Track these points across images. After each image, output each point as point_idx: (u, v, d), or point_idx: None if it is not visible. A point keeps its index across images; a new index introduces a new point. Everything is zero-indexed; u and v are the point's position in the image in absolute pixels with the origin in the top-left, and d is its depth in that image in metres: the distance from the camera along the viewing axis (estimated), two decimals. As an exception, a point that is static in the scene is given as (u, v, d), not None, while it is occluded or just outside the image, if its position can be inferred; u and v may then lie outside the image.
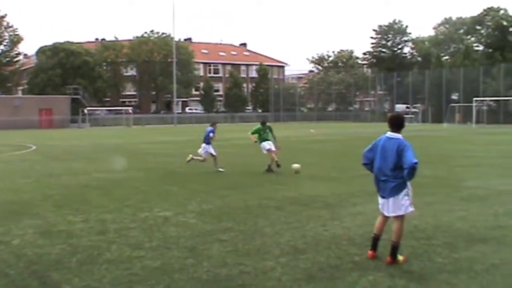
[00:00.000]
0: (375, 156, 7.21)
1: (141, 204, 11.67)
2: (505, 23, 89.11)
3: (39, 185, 15.22)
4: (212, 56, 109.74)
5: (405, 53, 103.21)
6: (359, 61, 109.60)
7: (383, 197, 7.16)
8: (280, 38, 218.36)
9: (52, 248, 8.00)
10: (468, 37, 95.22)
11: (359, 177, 14.16)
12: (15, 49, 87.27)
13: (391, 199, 7.03)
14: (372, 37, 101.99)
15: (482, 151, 26.02)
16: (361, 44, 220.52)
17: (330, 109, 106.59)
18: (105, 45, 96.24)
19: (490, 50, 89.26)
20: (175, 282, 6.40)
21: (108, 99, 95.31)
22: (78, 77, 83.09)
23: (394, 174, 6.95)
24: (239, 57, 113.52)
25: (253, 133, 18.00)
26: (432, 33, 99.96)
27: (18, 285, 6.48)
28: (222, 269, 6.85)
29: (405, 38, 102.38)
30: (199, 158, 18.34)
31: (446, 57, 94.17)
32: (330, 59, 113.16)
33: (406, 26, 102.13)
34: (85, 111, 75.80)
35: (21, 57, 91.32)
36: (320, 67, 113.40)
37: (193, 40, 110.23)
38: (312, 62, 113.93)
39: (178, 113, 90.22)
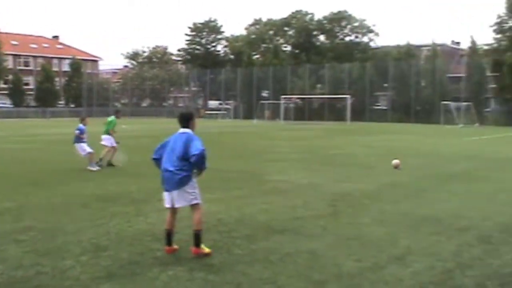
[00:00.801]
0: (165, 150, 7.43)
1: None
2: (310, 26, 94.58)
3: None
4: (23, 48, 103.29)
5: (219, 51, 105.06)
6: (174, 58, 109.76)
7: (167, 190, 7.31)
8: (94, 32, 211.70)
9: None
10: (277, 38, 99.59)
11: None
12: None
13: (175, 192, 7.19)
14: (187, 34, 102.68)
15: (287, 146, 27.34)
16: (176, 41, 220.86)
17: (144, 104, 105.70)
18: None
19: (297, 51, 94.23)
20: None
21: None
22: None
23: (181, 165, 7.14)
24: (51, 50, 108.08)
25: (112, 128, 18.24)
26: (244, 32, 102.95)
27: None
28: (18, 271, 6.49)
29: (219, 37, 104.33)
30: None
31: (257, 56, 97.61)
32: (145, 54, 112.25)
33: (221, 25, 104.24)
34: None
35: None
36: (134, 63, 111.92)
37: (1, 31, 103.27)
38: (126, 57, 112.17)
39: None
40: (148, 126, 20.36)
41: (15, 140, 29.44)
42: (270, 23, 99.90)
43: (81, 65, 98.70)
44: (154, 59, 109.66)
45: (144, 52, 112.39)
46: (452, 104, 64.56)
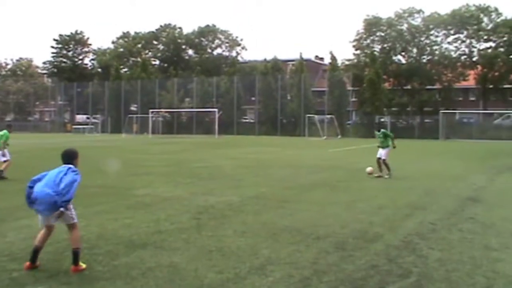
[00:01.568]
0: (43, 178, 7.35)
1: None
2: (179, 40, 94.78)
3: None
4: None
5: (86, 64, 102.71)
6: (40, 70, 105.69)
7: (41, 212, 7.29)
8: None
9: None
10: (146, 51, 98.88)
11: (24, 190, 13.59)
12: None
13: (51, 213, 7.16)
14: (52, 47, 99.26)
15: (154, 160, 27.15)
16: (41, 53, 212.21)
17: (8, 119, 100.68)
18: None
19: (165, 65, 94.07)
20: None
21: None
22: None
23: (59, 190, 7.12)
24: None
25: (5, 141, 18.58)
26: (112, 46, 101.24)
27: None
28: None
29: (86, 49, 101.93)
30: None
31: (125, 70, 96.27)
32: (8, 67, 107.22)
33: (87, 38, 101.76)
34: None
35: None
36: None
37: None
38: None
39: None
40: (13, 142, 19.36)
41: None
42: (139, 37, 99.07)
43: None
44: (19, 72, 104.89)
45: (7, 64, 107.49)
46: (317, 117, 67.17)
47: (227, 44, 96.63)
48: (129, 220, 10.55)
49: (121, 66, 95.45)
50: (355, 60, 76.23)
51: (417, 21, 74.99)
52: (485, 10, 71.76)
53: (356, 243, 8.84)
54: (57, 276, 6.86)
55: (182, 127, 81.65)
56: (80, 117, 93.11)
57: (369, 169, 19.31)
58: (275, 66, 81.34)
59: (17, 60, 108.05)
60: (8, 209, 11.82)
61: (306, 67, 79.00)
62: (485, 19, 71.80)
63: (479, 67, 72.03)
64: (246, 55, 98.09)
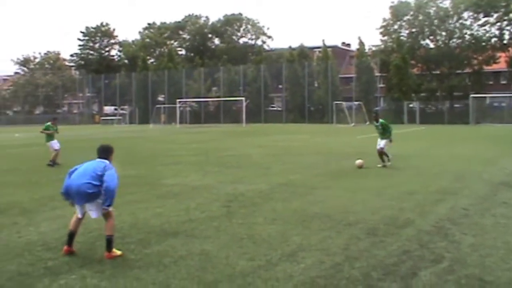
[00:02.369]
0: (76, 171, 7.61)
1: None
2: (205, 29, 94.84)
3: None
4: None
5: (113, 56, 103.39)
6: (67, 63, 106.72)
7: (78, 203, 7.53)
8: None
9: None
10: (172, 41, 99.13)
11: (59, 181, 13.78)
12: None
13: (87, 204, 7.42)
14: (79, 39, 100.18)
15: (182, 149, 27.26)
16: (68, 46, 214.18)
17: (37, 112, 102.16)
18: None
19: (191, 54, 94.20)
20: None
21: None
22: None
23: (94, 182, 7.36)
24: None
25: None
26: (138, 37, 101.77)
27: None
28: None
29: (113, 41, 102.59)
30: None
31: (152, 60, 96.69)
32: (37, 60, 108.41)
33: (113, 29, 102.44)
34: None
35: None
36: (26, 69, 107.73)
37: None
38: (17, 63, 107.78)
39: None
40: (41, 134, 19.73)
41: None
42: (164, 27, 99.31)
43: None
44: (47, 65, 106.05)
45: (35, 58, 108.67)
46: (344, 104, 66.71)
47: (253, 33, 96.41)
48: (160, 209, 10.64)
49: (148, 57, 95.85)
50: (382, 46, 75.38)
51: (446, 4, 73.73)
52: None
53: (387, 229, 8.79)
54: (90, 265, 6.96)
55: (209, 116, 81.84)
56: (108, 109, 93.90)
57: (358, 161, 17.98)
58: (302, 54, 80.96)
59: (45, 54, 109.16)
60: (41, 199, 12.01)
61: (333, 54, 78.47)
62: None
63: (511, 49, 70.62)
64: (272, 44, 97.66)
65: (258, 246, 7.80)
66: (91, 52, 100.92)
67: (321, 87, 75.79)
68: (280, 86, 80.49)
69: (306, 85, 76.23)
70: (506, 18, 70.20)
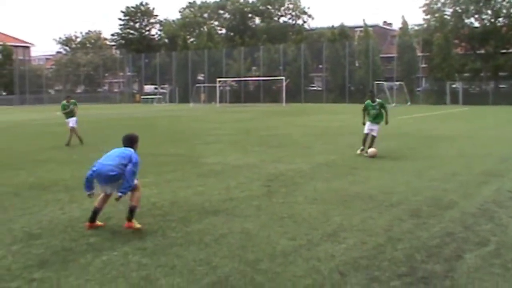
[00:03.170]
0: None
1: None
2: (245, 8, 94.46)
3: None
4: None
5: (153, 35, 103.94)
6: (108, 42, 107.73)
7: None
8: (25, 17, 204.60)
9: None
10: (212, 20, 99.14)
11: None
12: None
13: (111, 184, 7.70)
14: (120, 19, 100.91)
15: (223, 128, 27.35)
16: (109, 25, 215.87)
17: (79, 91, 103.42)
18: None
19: (231, 34, 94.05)
20: None
21: None
22: None
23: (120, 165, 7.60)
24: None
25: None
26: (178, 16, 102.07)
27: None
28: None
29: (152, 20, 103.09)
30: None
31: (192, 39, 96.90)
32: (78, 40, 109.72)
33: (153, 8, 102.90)
34: None
35: None
36: (68, 48, 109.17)
37: None
38: (59, 43, 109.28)
39: None
40: (83, 112, 19.99)
41: None
42: (205, 6, 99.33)
43: (11, 52, 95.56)
44: (88, 45, 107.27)
45: (77, 37, 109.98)
46: (385, 84, 65.91)
47: (293, 13, 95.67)
48: (200, 188, 10.66)
49: (188, 36, 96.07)
50: (425, 25, 73.89)
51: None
52: None
53: (430, 210, 8.65)
54: (132, 242, 7.00)
55: (249, 95, 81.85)
56: (148, 88, 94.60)
57: (371, 150, 15.74)
58: (342, 33, 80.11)
59: (86, 33, 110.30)
60: (83, 177, 12.09)
61: (374, 33, 77.39)
62: None
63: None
64: (313, 23, 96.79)
65: (299, 226, 7.75)
66: (132, 31, 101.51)
67: (362, 67, 74.96)
68: (320, 66, 79.92)
69: (347, 65, 75.47)
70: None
